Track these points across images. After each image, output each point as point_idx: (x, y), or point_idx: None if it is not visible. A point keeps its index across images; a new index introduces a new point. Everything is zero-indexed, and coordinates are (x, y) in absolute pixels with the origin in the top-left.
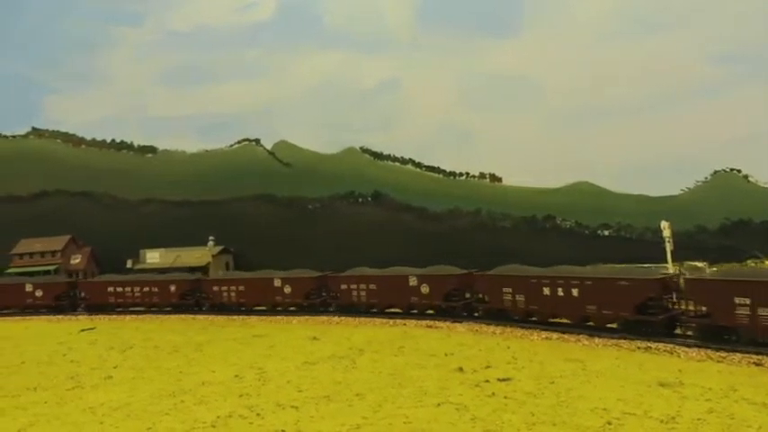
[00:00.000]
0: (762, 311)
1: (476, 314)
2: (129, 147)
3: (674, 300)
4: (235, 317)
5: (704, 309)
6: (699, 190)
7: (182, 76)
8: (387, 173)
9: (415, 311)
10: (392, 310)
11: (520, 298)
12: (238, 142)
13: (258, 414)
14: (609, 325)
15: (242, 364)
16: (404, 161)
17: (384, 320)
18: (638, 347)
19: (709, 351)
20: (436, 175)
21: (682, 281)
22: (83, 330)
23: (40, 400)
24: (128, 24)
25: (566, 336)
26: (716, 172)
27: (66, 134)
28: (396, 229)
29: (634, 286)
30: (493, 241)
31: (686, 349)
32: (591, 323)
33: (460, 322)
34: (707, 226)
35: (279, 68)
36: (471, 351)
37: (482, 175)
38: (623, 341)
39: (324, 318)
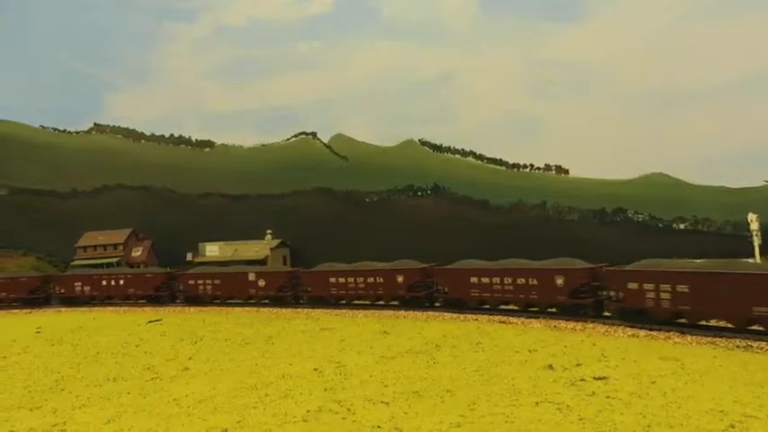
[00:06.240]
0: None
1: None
2: (187, 141)
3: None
4: (299, 309)
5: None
6: None
7: (237, 71)
8: (447, 165)
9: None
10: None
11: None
12: (295, 136)
13: (348, 409)
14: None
15: (318, 357)
16: (464, 153)
17: (453, 315)
18: (737, 346)
19: None
20: (499, 167)
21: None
22: (150, 322)
23: (122, 390)
24: (183, 21)
25: (653, 333)
26: None
27: (126, 130)
28: (456, 222)
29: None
30: (559, 234)
31: None
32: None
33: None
34: None
35: (336, 61)
36: (555, 348)
37: (548, 167)
38: (719, 339)
39: (390, 311)
